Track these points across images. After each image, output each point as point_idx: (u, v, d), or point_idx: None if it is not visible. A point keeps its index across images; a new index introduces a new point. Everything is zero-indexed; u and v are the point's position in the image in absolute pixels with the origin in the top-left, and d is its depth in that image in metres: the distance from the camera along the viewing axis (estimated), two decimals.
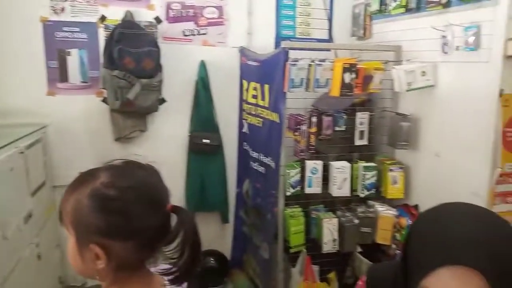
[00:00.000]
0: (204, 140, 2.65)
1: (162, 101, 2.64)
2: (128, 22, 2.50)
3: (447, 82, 2.05)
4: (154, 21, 2.61)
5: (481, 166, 1.84)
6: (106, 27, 2.54)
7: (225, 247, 2.92)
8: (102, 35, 2.54)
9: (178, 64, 2.67)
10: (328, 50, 2.68)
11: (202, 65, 2.66)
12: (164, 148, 2.72)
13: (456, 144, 2.00)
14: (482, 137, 1.83)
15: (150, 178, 0.81)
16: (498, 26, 1.72)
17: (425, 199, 2.23)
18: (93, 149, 2.63)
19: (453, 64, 1.99)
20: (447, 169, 2.05)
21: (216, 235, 2.92)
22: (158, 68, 2.53)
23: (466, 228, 0.61)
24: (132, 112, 2.53)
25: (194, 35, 2.69)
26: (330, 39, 2.93)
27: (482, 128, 1.83)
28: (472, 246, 0.58)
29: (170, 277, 0.80)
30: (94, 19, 2.53)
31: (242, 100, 2.73)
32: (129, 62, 2.44)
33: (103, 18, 2.54)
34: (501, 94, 1.74)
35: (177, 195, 2.74)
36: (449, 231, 0.62)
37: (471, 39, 1.84)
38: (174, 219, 0.79)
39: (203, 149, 2.67)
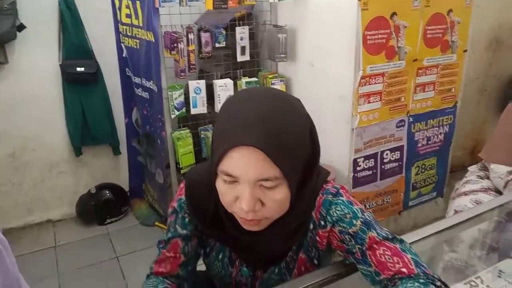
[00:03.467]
0: (78, 69, 2.42)
1: (21, 27, 2.31)
2: None
3: None
4: None
5: (346, 70, 1.95)
6: None
7: (122, 178, 2.85)
8: None
9: None
10: None
11: None
12: (33, 81, 2.44)
13: (326, 52, 2.08)
14: (346, 42, 1.92)
15: None
16: None
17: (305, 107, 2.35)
18: None
19: None
20: (320, 77, 2.16)
21: (109, 168, 2.83)
22: None
23: (247, 112, 0.67)
24: None
25: None
26: None
27: (346, 34, 1.91)
28: (251, 127, 0.65)
29: None
30: None
31: (117, 21, 2.50)
32: None
33: None
34: None
35: (58, 131, 2.59)
36: (232, 116, 0.68)
37: None
38: None
39: (78, 78, 2.44)
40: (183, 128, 2.37)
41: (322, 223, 0.79)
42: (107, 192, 2.69)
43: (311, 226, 0.81)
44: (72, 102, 2.51)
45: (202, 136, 2.42)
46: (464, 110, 2.57)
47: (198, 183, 0.82)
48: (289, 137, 0.67)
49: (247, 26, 2.33)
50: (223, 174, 0.68)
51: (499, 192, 1.55)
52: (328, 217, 0.78)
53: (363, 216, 0.76)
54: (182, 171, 2.34)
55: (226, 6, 2.09)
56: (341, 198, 0.79)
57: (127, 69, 2.58)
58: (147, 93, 2.41)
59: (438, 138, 2.44)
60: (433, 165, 2.52)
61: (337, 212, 0.77)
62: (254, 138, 0.64)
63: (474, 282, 0.95)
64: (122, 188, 2.80)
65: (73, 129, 2.56)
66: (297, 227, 0.79)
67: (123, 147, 2.80)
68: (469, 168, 1.77)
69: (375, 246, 0.74)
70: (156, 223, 2.64)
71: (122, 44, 2.53)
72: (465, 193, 1.58)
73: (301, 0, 2.14)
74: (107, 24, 2.51)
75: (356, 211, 0.77)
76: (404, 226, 2.53)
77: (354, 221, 0.76)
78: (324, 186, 0.81)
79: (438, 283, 0.70)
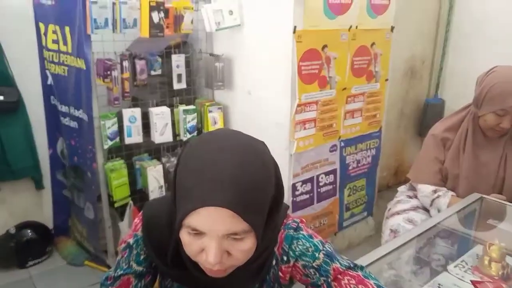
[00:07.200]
0: None
1: None
2: None
3: (252, 21, 2.14)
4: None
5: (283, 98, 2.03)
6: None
7: (45, 215, 2.61)
8: None
9: None
10: None
11: None
12: None
13: (263, 80, 2.15)
14: (282, 72, 2.00)
15: None
16: None
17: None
18: None
19: (256, 3, 2.07)
20: (257, 105, 2.21)
21: (31, 205, 2.58)
22: None
23: (215, 168, 0.64)
24: None
25: None
26: None
27: (282, 64, 1.99)
28: (220, 187, 0.62)
29: None
30: None
31: (41, 47, 2.35)
32: None
33: None
34: (294, 31, 1.90)
35: None
36: (199, 172, 0.64)
37: None
38: None
39: None
40: (116, 159, 2.26)
41: (285, 258, 0.79)
42: (29, 231, 2.44)
43: (274, 262, 0.80)
44: None
45: (137, 166, 2.32)
46: (387, 133, 2.79)
47: (157, 222, 0.78)
48: (258, 192, 0.65)
49: (184, 54, 2.32)
50: (189, 228, 0.65)
51: (426, 210, 1.69)
52: (291, 252, 0.78)
53: (324, 248, 0.78)
54: (115, 205, 2.21)
55: (162, 34, 2.07)
56: (301, 232, 0.80)
57: (52, 97, 2.42)
58: (75, 122, 2.27)
59: (366, 161, 2.61)
60: (363, 186, 2.67)
61: (299, 246, 0.78)
62: (224, 199, 0.61)
63: None
64: (46, 226, 2.56)
65: None
66: (261, 264, 0.78)
67: (47, 181, 2.58)
68: (399, 189, 1.91)
69: (339, 276, 0.76)
70: (86, 262, 2.43)
71: (47, 71, 2.37)
72: (398, 213, 1.70)
73: (237, 31, 2.20)
74: (30, 49, 2.34)
75: (317, 244, 0.78)
76: (340, 246, 2.63)
77: (317, 254, 0.77)
78: (285, 221, 0.81)
79: None
